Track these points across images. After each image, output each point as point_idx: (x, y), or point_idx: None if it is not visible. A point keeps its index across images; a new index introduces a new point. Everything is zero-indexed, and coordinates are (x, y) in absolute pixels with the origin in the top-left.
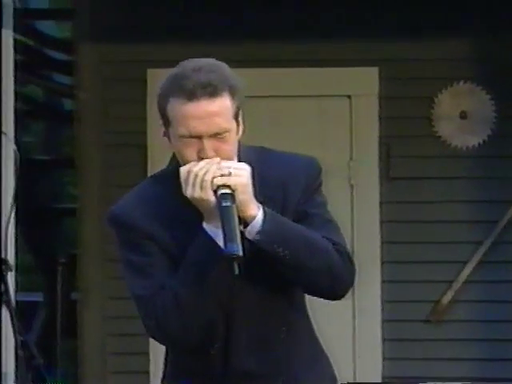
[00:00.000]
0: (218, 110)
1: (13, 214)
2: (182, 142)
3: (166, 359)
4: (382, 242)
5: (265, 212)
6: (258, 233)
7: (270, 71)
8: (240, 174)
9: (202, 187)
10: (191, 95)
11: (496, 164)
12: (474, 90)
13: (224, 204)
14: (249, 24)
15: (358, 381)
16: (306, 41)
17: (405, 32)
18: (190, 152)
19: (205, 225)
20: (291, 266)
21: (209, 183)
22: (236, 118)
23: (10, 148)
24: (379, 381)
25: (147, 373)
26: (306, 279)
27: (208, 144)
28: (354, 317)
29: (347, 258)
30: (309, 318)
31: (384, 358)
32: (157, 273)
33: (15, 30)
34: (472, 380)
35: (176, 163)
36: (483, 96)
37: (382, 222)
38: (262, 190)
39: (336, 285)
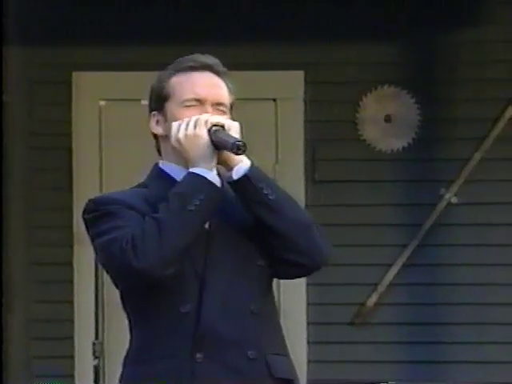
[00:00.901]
0: (221, 84)
1: None
2: (183, 109)
3: (129, 347)
4: None
5: (252, 161)
6: (247, 170)
7: None
8: (232, 121)
9: (196, 125)
10: (197, 68)
11: (420, 167)
12: (398, 94)
13: (220, 133)
14: (176, 26)
15: None
16: (231, 44)
17: (330, 35)
18: (192, 116)
19: (191, 169)
20: (272, 209)
21: (203, 121)
22: (231, 111)
23: None
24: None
25: (72, 376)
26: (284, 228)
27: (210, 110)
28: None
29: (323, 233)
30: (276, 308)
31: (309, 361)
32: (133, 225)
33: None
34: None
35: (157, 170)
36: (408, 99)
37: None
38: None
39: (314, 247)
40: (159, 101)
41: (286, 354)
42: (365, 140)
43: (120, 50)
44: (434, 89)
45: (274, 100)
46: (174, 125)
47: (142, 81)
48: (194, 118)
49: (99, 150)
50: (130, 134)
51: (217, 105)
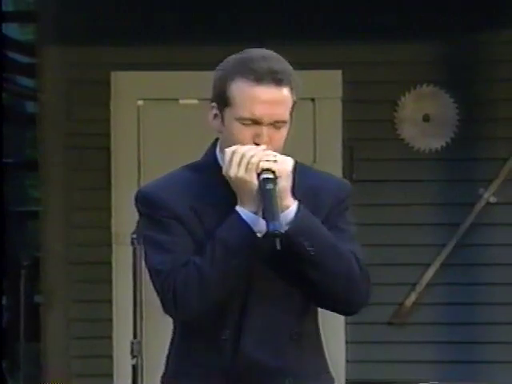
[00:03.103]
0: (282, 99)
1: None
2: (239, 124)
3: (168, 356)
4: None
5: (299, 206)
6: (289, 223)
7: None
8: (285, 163)
9: (247, 168)
10: (261, 79)
11: (459, 167)
12: (437, 93)
13: (268, 187)
14: (215, 26)
15: None
16: (267, 43)
17: (368, 35)
18: (246, 135)
19: (238, 207)
20: (313, 264)
21: (254, 165)
22: (291, 112)
23: None
24: None
25: (111, 376)
26: (323, 282)
27: (266, 130)
28: None
29: (366, 276)
30: (320, 336)
31: (347, 361)
32: (179, 251)
33: None
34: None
35: (212, 154)
36: (446, 99)
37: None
38: (294, 194)
39: (352, 297)
40: (220, 100)
41: (327, 378)
42: (403, 140)
43: (158, 50)
44: (472, 88)
45: (312, 100)
46: (227, 153)
47: (180, 80)
48: (247, 155)
49: (137, 149)
50: (168, 134)
51: (273, 123)
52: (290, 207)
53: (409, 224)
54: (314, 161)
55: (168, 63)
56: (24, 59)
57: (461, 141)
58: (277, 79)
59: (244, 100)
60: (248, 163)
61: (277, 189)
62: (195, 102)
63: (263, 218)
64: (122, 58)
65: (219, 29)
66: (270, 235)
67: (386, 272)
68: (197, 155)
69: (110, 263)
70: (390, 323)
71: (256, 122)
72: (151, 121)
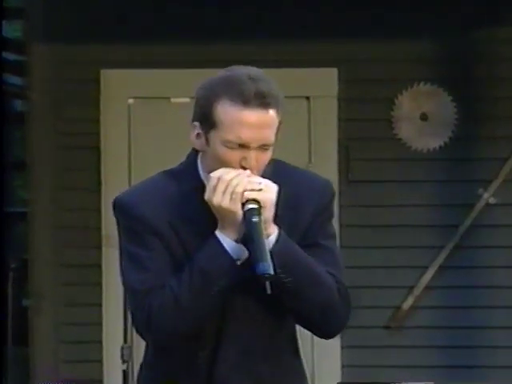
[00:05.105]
0: (269, 122)
1: None
2: (226, 147)
3: (138, 378)
4: (342, 247)
5: (279, 234)
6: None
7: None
8: (270, 191)
9: (231, 198)
10: (248, 102)
11: (457, 167)
12: (435, 92)
13: (254, 220)
14: (207, 24)
15: None
16: (262, 41)
17: (364, 32)
18: (232, 158)
19: (218, 233)
20: (291, 294)
21: (239, 195)
22: (277, 132)
23: None
24: None
25: (101, 381)
26: (302, 311)
27: (253, 154)
28: None
29: (346, 300)
30: (299, 354)
31: (343, 366)
32: (156, 269)
33: None
34: None
35: (193, 163)
36: (444, 97)
37: (340, 226)
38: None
39: (330, 324)
40: (204, 121)
41: None
42: (400, 139)
43: (149, 47)
44: (471, 86)
45: (307, 98)
46: (212, 180)
47: (172, 78)
48: (232, 184)
49: (128, 149)
50: (159, 133)
51: (261, 146)
52: (271, 236)
53: (406, 225)
54: (309, 161)
55: (159, 61)
56: (12, 57)
57: (459, 140)
58: (265, 102)
59: (231, 124)
60: (233, 192)
61: (262, 219)
62: (187, 100)
63: (248, 251)
64: (112, 55)
65: (211, 27)
66: (259, 278)
67: (382, 274)
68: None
69: (99, 266)
70: (386, 327)
71: (243, 146)
72: (142, 120)
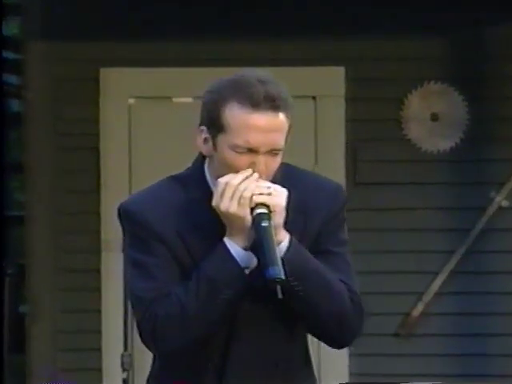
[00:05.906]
0: (279, 126)
1: None
2: (234, 152)
3: (148, 377)
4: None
5: (291, 241)
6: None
7: (231, 70)
8: (279, 196)
9: (239, 203)
10: (257, 105)
11: (469, 169)
12: (445, 91)
13: (263, 224)
14: (210, 22)
15: None
16: (267, 39)
17: (372, 29)
18: (241, 163)
19: (226, 240)
20: (302, 303)
21: (248, 200)
22: (286, 136)
23: None
24: None
25: None
26: (314, 320)
27: (262, 159)
28: None
29: (359, 309)
30: (310, 361)
31: (351, 374)
32: (162, 276)
33: None
34: None
35: (199, 168)
36: (456, 97)
37: (347, 230)
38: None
39: (343, 333)
40: (212, 125)
41: None
42: (409, 140)
43: (150, 45)
44: (483, 86)
45: (314, 98)
46: (220, 185)
47: (174, 77)
48: (240, 188)
49: (128, 150)
50: (160, 134)
51: (270, 151)
52: (282, 242)
53: (415, 229)
54: (316, 162)
55: (161, 59)
56: (8, 55)
57: (471, 141)
58: (275, 105)
59: (240, 128)
60: (241, 197)
61: (272, 224)
62: (189, 100)
63: (257, 258)
64: (112, 53)
65: (214, 24)
66: (270, 282)
67: (391, 281)
68: (191, 157)
69: (98, 271)
70: (396, 334)
71: (252, 151)
72: (143, 120)
